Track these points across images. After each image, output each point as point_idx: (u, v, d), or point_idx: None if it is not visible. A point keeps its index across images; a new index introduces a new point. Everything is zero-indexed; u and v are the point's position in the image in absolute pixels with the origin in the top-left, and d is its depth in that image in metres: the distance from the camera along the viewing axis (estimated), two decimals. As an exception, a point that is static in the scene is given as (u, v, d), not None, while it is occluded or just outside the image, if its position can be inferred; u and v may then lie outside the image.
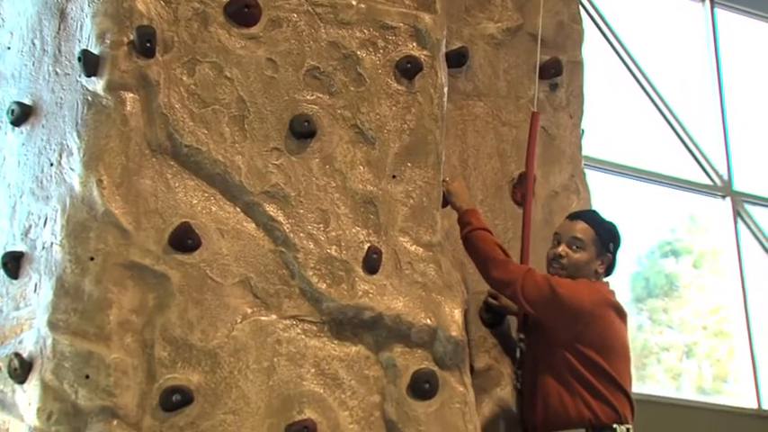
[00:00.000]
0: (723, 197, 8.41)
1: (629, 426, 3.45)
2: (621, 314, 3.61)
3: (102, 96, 3.32)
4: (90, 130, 3.31)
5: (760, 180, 8.64)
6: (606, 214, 3.85)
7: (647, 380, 7.91)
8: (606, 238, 3.66)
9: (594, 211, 3.93)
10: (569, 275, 3.60)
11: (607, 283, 3.69)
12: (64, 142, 3.36)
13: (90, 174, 3.26)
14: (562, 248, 3.62)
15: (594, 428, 3.39)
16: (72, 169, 3.31)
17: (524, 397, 3.61)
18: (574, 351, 3.44)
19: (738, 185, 8.48)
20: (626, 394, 3.48)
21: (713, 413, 7.44)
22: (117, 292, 3.17)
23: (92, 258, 3.19)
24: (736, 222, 8.31)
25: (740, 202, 8.42)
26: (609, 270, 3.70)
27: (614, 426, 3.40)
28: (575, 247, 3.63)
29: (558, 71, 4.31)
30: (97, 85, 3.34)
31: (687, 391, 8.04)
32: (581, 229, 3.66)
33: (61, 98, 3.44)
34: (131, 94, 3.34)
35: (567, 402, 3.41)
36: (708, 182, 8.43)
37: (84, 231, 3.22)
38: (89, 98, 3.34)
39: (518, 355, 3.74)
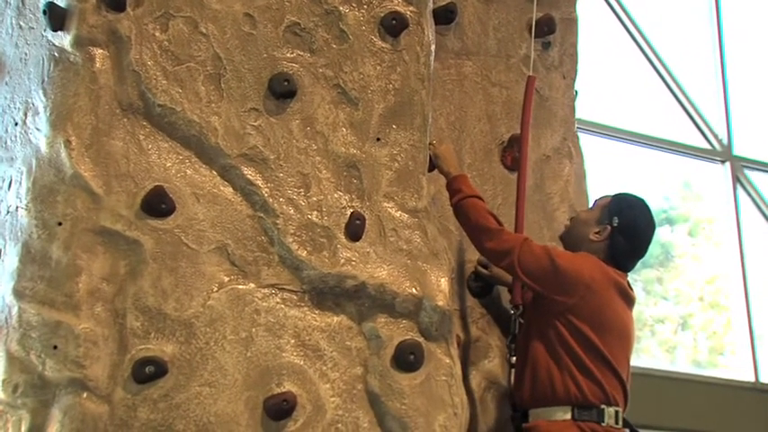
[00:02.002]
0: (722, 162, 8.46)
1: (619, 408, 3.44)
2: (627, 298, 3.57)
3: (70, 52, 3.31)
4: (57, 87, 3.29)
5: (761, 144, 8.68)
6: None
7: (641, 353, 7.97)
8: (615, 209, 3.60)
9: (635, 196, 3.82)
10: (567, 235, 3.65)
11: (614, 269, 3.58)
12: (29, 101, 3.35)
13: (57, 134, 3.24)
14: (581, 211, 3.69)
15: (581, 407, 3.39)
16: (38, 129, 3.29)
17: (516, 369, 3.62)
18: (567, 323, 3.44)
19: (738, 150, 8.52)
20: (618, 377, 3.47)
21: (709, 387, 7.53)
22: (86, 258, 3.17)
23: (60, 223, 3.18)
24: (735, 189, 8.36)
25: (740, 167, 8.47)
26: (612, 252, 3.57)
27: (602, 407, 3.40)
28: (588, 210, 3.70)
29: (551, 29, 4.30)
30: (64, 40, 3.32)
31: (682, 365, 8.12)
32: (604, 196, 3.69)
33: (26, 54, 3.42)
34: (101, 50, 3.32)
35: (555, 376, 3.41)
36: (706, 146, 8.47)
37: (51, 195, 3.21)
38: (56, 54, 3.32)
39: (513, 329, 3.73)
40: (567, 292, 3.45)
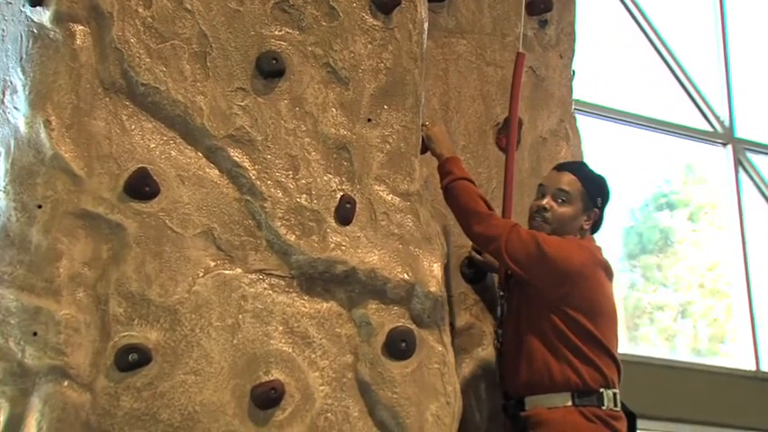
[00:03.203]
0: (724, 145, 8.46)
1: (616, 390, 3.49)
2: (609, 273, 3.64)
3: (50, 29, 3.29)
4: (36, 65, 3.27)
5: (764, 126, 8.68)
6: (597, 164, 3.87)
7: (640, 341, 8.00)
8: (594, 192, 3.68)
9: (583, 163, 3.95)
10: (553, 231, 3.62)
11: (593, 239, 3.72)
12: (7, 79, 3.33)
13: (37, 114, 3.23)
14: (547, 201, 3.64)
15: (581, 393, 3.43)
16: (17, 108, 3.28)
17: (505, 358, 3.64)
18: (561, 314, 3.47)
19: (741, 132, 8.52)
20: (613, 358, 3.51)
21: (709, 375, 7.55)
22: (67, 242, 3.16)
23: (39, 206, 3.17)
24: (737, 172, 8.37)
25: (742, 150, 8.47)
26: (595, 227, 3.73)
27: (601, 390, 3.44)
28: (560, 201, 3.64)
29: (548, 6, 4.30)
30: (43, 16, 3.30)
31: (682, 353, 8.14)
32: (568, 181, 3.68)
33: (3, 30, 3.40)
34: (81, 27, 3.31)
35: (553, 366, 3.44)
36: (707, 128, 8.47)
37: (30, 177, 3.20)
38: (34, 30, 3.31)
39: (499, 313, 3.77)
40: (556, 281, 3.47)
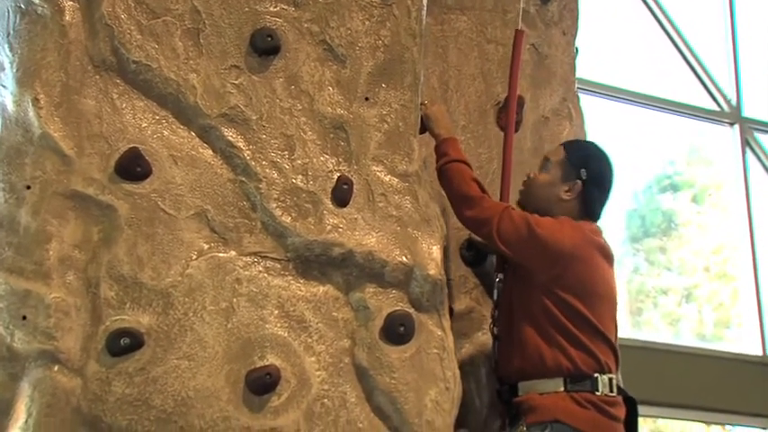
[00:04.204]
0: (730, 124, 8.47)
1: (613, 375, 3.47)
2: (607, 256, 3.61)
3: (37, 4, 3.27)
4: (24, 42, 3.26)
5: (772, 106, 8.69)
6: (601, 144, 3.86)
7: (644, 326, 8.02)
8: (576, 160, 3.64)
9: (586, 141, 3.92)
10: (527, 199, 3.66)
11: (595, 225, 3.66)
12: (-6, 56, 3.33)
13: (25, 92, 3.22)
14: (533, 172, 3.66)
15: (573, 378, 3.42)
16: (4, 86, 3.27)
17: (500, 343, 3.64)
18: (552, 296, 3.46)
19: (748, 111, 8.51)
20: (609, 342, 3.50)
21: (715, 361, 7.58)
22: (57, 224, 3.16)
23: (28, 187, 3.17)
24: (744, 152, 8.37)
25: (749, 129, 8.48)
26: (586, 205, 3.63)
27: (595, 375, 3.43)
28: (542, 171, 3.68)
29: (551, -18, 4.29)
30: (31, -9, 3.30)
31: (686, 338, 8.17)
32: (555, 151, 3.71)
33: (-10, 6, 3.39)
34: (70, 2, 3.29)
35: (545, 351, 3.43)
36: (714, 107, 8.47)
37: (18, 156, 3.19)
38: (21, 5, 3.29)
39: (497, 298, 3.77)
40: (547, 263, 3.46)
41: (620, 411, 3.47)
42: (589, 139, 4.40)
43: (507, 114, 3.89)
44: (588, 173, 3.63)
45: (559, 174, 3.65)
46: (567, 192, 3.63)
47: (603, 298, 3.55)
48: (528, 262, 3.50)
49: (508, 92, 3.93)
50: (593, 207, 3.66)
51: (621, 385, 3.55)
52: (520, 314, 3.52)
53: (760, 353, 7.85)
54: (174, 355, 3.14)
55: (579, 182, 3.62)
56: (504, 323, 3.63)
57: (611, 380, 3.46)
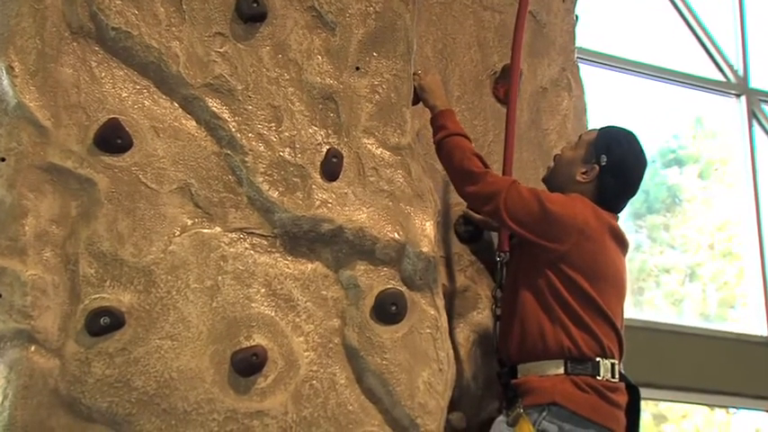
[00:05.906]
0: (737, 96, 8.46)
1: (615, 361, 3.47)
2: (621, 243, 3.61)
3: (12, -32, 3.26)
4: (-3, 7, 3.25)
5: (780, 77, 8.68)
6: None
7: (645, 305, 8.05)
8: (601, 145, 3.63)
9: (623, 129, 3.82)
10: (551, 175, 3.70)
11: (611, 213, 3.63)
12: (-33, 22, 3.31)
13: (-1, 60, 3.21)
14: (563, 148, 3.76)
15: (574, 361, 3.42)
16: (-23, 54, 3.26)
17: (502, 323, 3.64)
18: (558, 272, 3.46)
19: (755, 82, 8.51)
20: (614, 326, 3.50)
21: (718, 341, 7.61)
22: (33, 198, 3.15)
23: (3, 159, 3.15)
24: (750, 125, 8.37)
25: (757, 101, 8.47)
26: (601, 192, 3.60)
27: (597, 359, 3.43)
28: (572, 149, 3.72)
29: (550, -54, 4.27)
30: (5, -47, 3.28)
31: (690, 318, 8.20)
32: (590, 131, 3.76)
33: (-38, -31, 3.37)
34: (47, -34, 3.28)
35: (546, 329, 3.43)
36: (720, 78, 8.46)
37: (-8, 128, 3.19)
38: (-4, -31, 3.28)
39: (499, 277, 3.76)
40: (558, 238, 3.46)
41: (622, 398, 3.48)
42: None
43: (510, 85, 3.88)
44: (608, 160, 3.60)
45: (582, 154, 3.65)
46: (583, 173, 3.63)
47: (611, 281, 3.54)
48: (537, 237, 3.48)
49: (511, 61, 3.90)
50: (608, 196, 3.62)
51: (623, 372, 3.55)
52: (523, 289, 3.52)
53: (765, 334, 7.88)
54: (157, 335, 3.14)
55: (597, 167, 3.61)
56: (507, 301, 3.63)
57: (613, 365, 3.46)
